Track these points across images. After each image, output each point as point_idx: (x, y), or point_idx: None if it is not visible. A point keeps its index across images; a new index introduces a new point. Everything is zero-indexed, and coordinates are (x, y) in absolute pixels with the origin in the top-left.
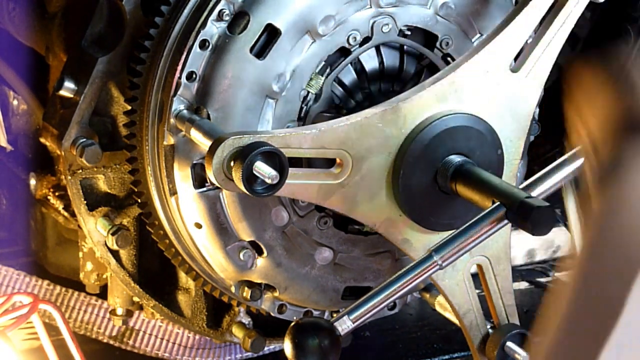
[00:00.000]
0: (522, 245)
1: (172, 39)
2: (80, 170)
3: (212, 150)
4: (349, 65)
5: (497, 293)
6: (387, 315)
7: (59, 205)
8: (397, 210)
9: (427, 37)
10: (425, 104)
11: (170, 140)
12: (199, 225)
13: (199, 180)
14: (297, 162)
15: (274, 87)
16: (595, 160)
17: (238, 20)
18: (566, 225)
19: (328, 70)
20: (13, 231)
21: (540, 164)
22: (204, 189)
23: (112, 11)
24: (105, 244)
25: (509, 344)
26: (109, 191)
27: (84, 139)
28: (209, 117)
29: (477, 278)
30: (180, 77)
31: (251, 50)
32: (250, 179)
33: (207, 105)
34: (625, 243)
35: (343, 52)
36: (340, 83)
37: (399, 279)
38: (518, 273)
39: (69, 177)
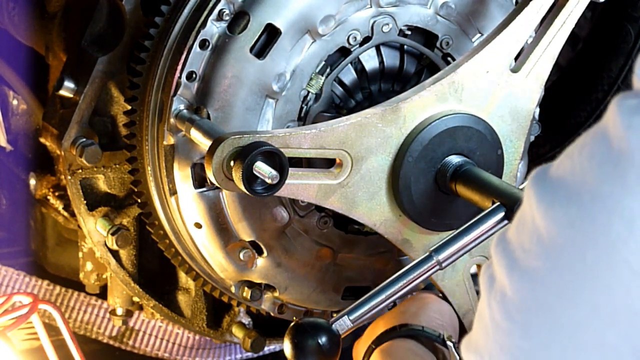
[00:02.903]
0: None
1: (172, 38)
2: (80, 170)
3: (212, 150)
4: (349, 65)
5: None
6: None
7: (59, 205)
8: (397, 210)
9: (427, 37)
10: (425, 104)
11: (170, 140)
12: (199, 225)
13: (199, 180)
14: (297, 162)
15: (274, 87)
16: None
17: (238, 20)
18: None
19: (328, 70)
20: (13, 231)
21: (540, 164)
22: (204, 189)
23: (112, 11)
24: (105, 244)
25: None
26: (108, 191)
27: (84, 139)
28: (209, 117)
29: (477, 278)
30: (180, 77)
31: (251, 50)
32: (250, 179)
33: (207, 105)
34: None
35: (343, 52)
36: (341, 83)
37: (399, 279)
38: None
39: (69, 177)
